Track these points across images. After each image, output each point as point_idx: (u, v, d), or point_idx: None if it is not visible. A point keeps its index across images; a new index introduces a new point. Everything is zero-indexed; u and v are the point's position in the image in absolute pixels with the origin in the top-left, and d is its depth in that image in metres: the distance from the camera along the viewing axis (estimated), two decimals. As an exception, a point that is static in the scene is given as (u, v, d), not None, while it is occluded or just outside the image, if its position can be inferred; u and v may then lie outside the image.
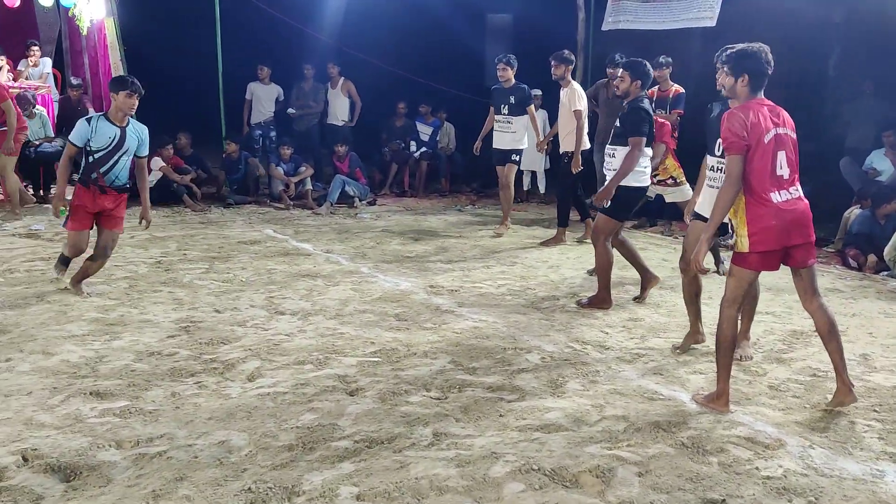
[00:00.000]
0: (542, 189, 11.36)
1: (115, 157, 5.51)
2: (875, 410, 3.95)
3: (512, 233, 8.86)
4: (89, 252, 5.75)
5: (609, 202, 5.72)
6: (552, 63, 7.95)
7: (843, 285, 6.71)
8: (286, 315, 5.36)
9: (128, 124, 5.55)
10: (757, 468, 3.30)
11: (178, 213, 9.38)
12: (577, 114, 7.91)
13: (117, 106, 5.46)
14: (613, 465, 3.28)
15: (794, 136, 3.90)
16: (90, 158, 5.49)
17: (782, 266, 3.93)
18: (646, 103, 5.72)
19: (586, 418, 3.78)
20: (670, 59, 8.82)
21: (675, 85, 8.81)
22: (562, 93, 8.09)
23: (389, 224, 9.20)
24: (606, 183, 5.74)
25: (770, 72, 3.88)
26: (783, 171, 3.80)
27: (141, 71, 10.95)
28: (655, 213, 9.28)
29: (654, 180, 6.71)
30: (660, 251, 8.00)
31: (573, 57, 8.20)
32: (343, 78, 11.37)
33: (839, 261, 7.65)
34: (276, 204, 10.07)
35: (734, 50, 3.90)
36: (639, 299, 5.98)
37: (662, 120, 6.92)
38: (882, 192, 7.84)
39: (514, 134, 8.49)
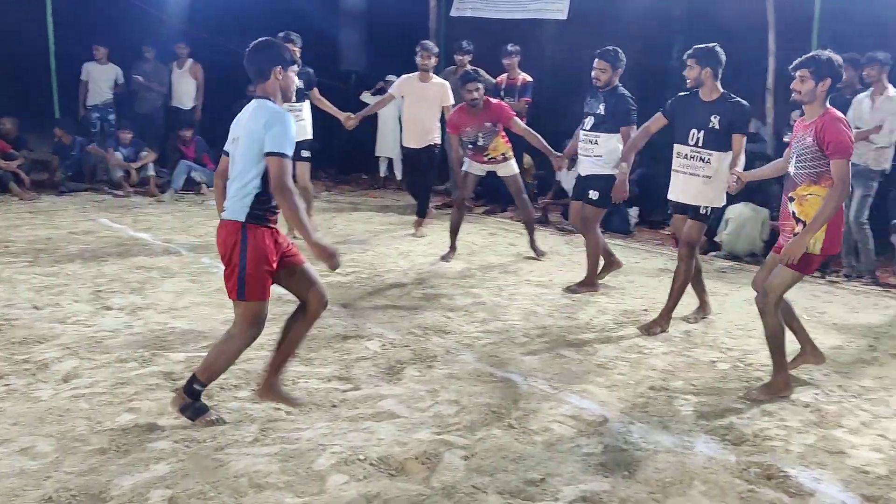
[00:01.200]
0: (398, 175, 11.32)
1: None
2: (692, 385, 4.16)
3: (366, 219, 8.79)
4: None
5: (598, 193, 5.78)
6: (420, 54, 7.55)
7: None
8: (113, 310, 5.05)
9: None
10: (578, 445, 3.40)
11: (4, 202, 8.68)
12: (446, 109, 7.54)
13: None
14: (440, 451, 3.29)
15: None
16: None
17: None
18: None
19: (419, 404, 3.77)
20: (518, 48, 8.99)
21: (524, 73, 8.99)
22: (420, 85, 7.65)
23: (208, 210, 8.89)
24: (619, 179, 5.57)
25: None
26: None
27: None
28: (507, 198, 9.46)
29: (486, 159, 6.80)
30: (508, 236, 8.14)
31: (437, 48, 7.90)
32: (191, 60, 10.87)
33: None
34: (115, 191, 9.51)
35: (821, 56, 3.88)
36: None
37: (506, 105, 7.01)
38: None
39: (303, 122, 7.43)
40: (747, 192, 7.94)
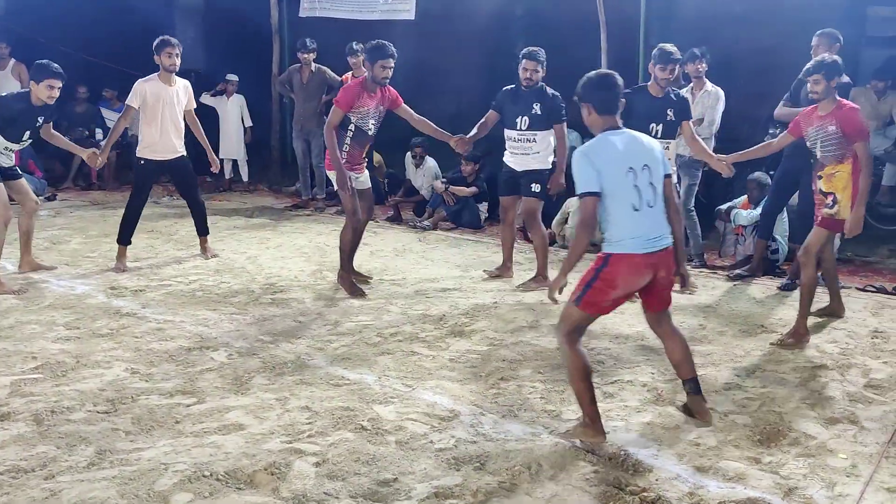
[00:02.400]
0: (245, 177, 11.00)
1: None
2: (540, 372, 4.29)
3: (211, 224, 8.41)
4: None
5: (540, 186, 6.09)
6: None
7: (522, 258, 7.25)
8: (-76, 335, 4.60)
9: None
10: (431, 441, 3.43)
11: None
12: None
13: None
14: (291, 459, 3.22)
15: None
16: None
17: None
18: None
19: (268, 413, 3.67)
20: (363, 46, 8.93)
21: (369, 72, 8.95)
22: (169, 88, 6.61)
23: (71, 221, 8.35)
24: (557, 171, 6.11)
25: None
26: None
27: None
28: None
29: (365, 160, 6.81)
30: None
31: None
32: (14, 60, 10.07)
33: (521, 235, 8.28)
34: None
35: (827, 61, 4.72)
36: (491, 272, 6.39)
37: None
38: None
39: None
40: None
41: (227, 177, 10.92)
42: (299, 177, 9.74)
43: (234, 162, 10.91)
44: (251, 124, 10.54)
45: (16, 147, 6.25)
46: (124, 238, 6.50)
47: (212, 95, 10.22)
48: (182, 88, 6.62)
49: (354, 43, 8.90)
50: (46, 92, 6.01)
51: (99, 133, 10.75)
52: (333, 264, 6.58)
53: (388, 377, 4.17)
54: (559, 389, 4.03)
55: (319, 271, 6.46)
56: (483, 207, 8.75)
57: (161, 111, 6.45)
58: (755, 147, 5.65)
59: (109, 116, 10.89)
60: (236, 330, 4.92)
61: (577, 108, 3.64)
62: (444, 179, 8.77)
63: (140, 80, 6.56)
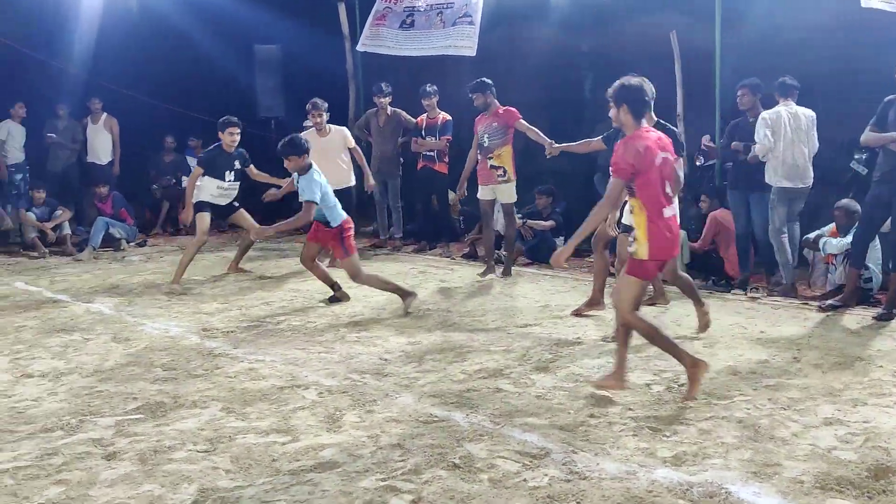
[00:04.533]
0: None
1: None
2: (630, 409, 4.23)
3: (294, 265, 8.67)
4: None
5: None
6: (311, 112, 8.39)
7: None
8: (34, 377, 4.84)
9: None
10: (524, 480, 3.41)
11: None
12: (354, 150, 8.49)
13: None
14: (387, 497, 3.24)
15: (672, 157, 4.41)
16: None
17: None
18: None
19: (361, 451, 3.72)
20: (436, 88, 9.12)
21: (443, 112, 9.12)
22: (320, 139, 8.27)
23: (161, 266, 8.68)
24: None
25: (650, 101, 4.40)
26: (669, 189, 4.35)
27: None
28: (433, 236, 9.52)
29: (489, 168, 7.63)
30: (438, 273, 8.17)
31: (324, 103, 8.52)
32: (106, 114, 10.67)
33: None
34: (30, 252, 9.17)
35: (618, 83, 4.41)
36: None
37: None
38: None
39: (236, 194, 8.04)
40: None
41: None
42: (377, 217, 9.92)
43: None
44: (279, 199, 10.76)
45: (225, 185, 7.78)
46: None
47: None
48: (240, 156, 7.89)
49: (428, 85, 9.09)
50: (229, 138, 7.65)
51: (185, 180, 11.19)
52: (414, 302, 6.66)
53: (476, 414, 4.17)
54: (651, 426, 3.97)
55: (402, 308, 6.53)
56: (560, 241, 8.72)
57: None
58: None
59: (194, 165, 11.35)
60: (325, 368, 5.01)
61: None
62: (520, 215, 8.80)
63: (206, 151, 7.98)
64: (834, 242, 6.58)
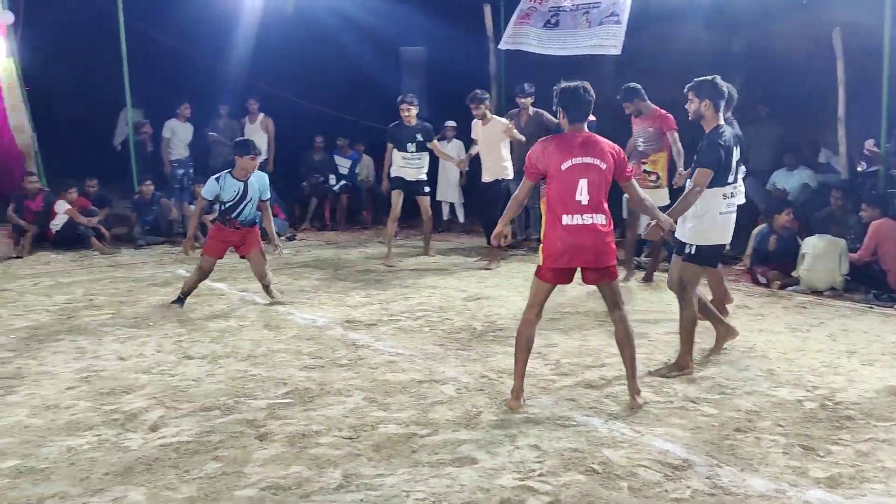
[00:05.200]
0: (461, 219, 11.43)
1: (242, 205, 6.59)
2: (780, 425, 4.03)
3: (432, 263, 8.86)
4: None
5: None
6: (471, 106, 8.42)
7: (751, 302, 6.90)
8: (195, 359, 5.18)
9: (248, 177, 6.57)
10: (666, 490, 3.32)
11: (86, 256, 9.05)
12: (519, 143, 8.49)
13: (241, 166, 6.50)
14: (524, 497, 3.25)
15: (602, 165, 4.10)
16: (222, 207, 6.61)
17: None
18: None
19: (499, 449, 3.74)
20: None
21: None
22: (481, 128, 8.47)
23: (308, 259, 9.08)
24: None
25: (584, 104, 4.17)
26: (582, 196, 4.07)
27: (46, 112, 10.72)
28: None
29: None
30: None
31: (486, 94, 8.62)
32: (262, 114, 11.28)
33: (749, 278, 7.88)
34: (191, 243, 9.81)
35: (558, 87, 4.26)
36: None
37: None
38: (772, 204, 8.16)
39: (423, 168, 8.94)
40: (822, 224, 7.78)
41: (444, 218, 11.40)
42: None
43: (452, 205, 11.37)
44: (467, 169, 10.94)
45: (408, 155, 8.74)
46: None
47: (437, 141, 10.75)
48: (422, 129, 8.86)
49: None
50: (405, 113, 8.63)
51: (332, 179, 11.67)
52: (551, 302, 6.61)
53: (616, 421, 4.10)
54: (804, 445, 3.76)
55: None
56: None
57: None
58: None
59: (342, 163, 11.80)
60: (462, 365, 5.07)
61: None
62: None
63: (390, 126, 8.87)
64: None
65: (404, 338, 5.74)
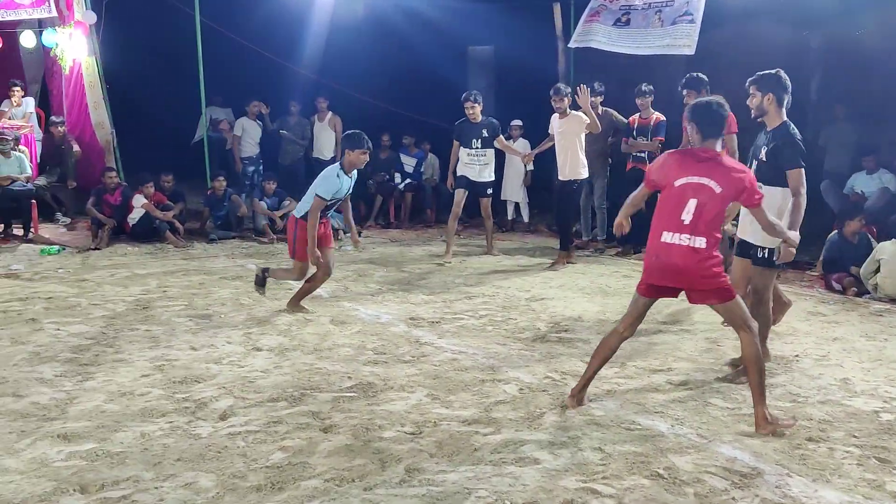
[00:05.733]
0: (525, 218, 11.38)
1: (339, 201, 6.29)
2: (854, 436, 3.91)
3: (496, 262, 8.86)
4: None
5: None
6: (554, 98, 8.31)
7: (825, 309, 6.69)
8: (263, 351, 5.30)
9: (353, 172, 6.22)
10: (733, 498, 3.25)
11: (161, 249, 9.33)
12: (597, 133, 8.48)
13: (351, 161, 6.10)
14: (587, 499, 3.23)
15: (717, 188, 3.92)
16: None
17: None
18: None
19: (562, 451, 3.72)
20: (651, 88, 8.90)
21: (657, 112, 8.89)
22: (560, 122, 8.41)
23: (373, 256, 9.17)
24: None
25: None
26: (687, 216, 3.94)
27: (126, 109, 11.12)
28: (639, 240, 9.28)
29: None
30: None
31: (568, 88, 8.52)
32: (331, 112, 11.44)
33: (822, 284, 7.64)
34: (260, 238, 10.04)
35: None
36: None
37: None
38: (845, 210, 7.88)
39: (489, 166, 8.94)
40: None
41: (509, 217, 11.38)
42: (580, 218, 9.86)
43: (517, 204, 11.33)
44: (531, 168, 10.90)
45: (473, 151, 8.80)
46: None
47: (505, 140, 10.74)
48: (488, 125, 8.84)
49: (644, 85, 8.90)
50: (470, 111, 8.67)
51: (398, 177, 11.77)
52: (617, 306, 6.55)
53: (682, 426, 4.03)
54: (879, 457, 3.63)
55: (602, 312, 6.45)
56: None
57: None
58: None
59: (407, 162, 11.89)
60: (525, 365, 5.06)
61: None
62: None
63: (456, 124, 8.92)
64: None
65: (467, 336, 5.75)
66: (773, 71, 4.69)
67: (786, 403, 4.36)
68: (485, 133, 8.77)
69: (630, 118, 9.08)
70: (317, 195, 6.01)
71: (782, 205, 4.60)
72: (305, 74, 12.11)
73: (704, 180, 3.94)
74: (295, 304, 6.40)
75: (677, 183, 3.99)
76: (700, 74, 7.21)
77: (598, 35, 9.99)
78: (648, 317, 6.18)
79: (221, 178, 10.29)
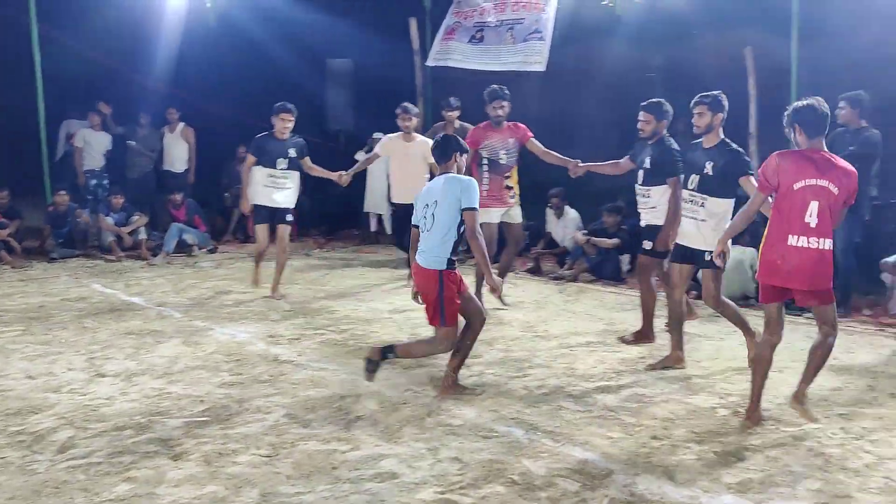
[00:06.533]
0: (388, 230, 11.38)
1: None
2: (694, 432, 4.14)
3: (359, 275, 8.81)
4: None
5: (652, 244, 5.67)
6: (401, 116, 7.84)
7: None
8: (108, 377, 5.01)
9: None
10: (584, 500, 3.36)
11: (-5, 270, 8.66)
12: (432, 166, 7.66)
13: (460, 166, 4.87)
14: (444, 511, 3.25)
15: (834, 189, 4.02)
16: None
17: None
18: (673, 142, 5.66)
19: (420, 463, 3.73)
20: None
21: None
22: (405, 144, 7.87)
23: (231, 272, 8.89)
24: (665, 228, 5.52)
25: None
26: (811, 219, 4.01)
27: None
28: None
29: (507, 192, 7.06)
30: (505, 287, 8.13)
31: (416, 109, 8.16)
32: (183, 123, 11.00)
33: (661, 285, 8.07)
34: (107, 256, 9.51)
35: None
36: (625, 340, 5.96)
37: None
38: None
39: (291, 189, 7.65)
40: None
41: (371, 230, 11.35)
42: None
43: (380, 216, 11.32)
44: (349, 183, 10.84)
45: (277, 172, 7.43)
46: None
47: (365, 153, 10.69)
48: (295, 145, 7.58)
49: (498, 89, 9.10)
50: (281, 124, 7.43)
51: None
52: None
53: (536, 431, 4.14)
54: (716, 451, 3.87)
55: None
56: (625, 259, 8.62)
57: None
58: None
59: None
60: (386, 379, 5.03)
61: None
62: (585, 231, 8.73)
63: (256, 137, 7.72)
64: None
65: (328, 352, 5.67)
66: (716, 92, 5.08)
67: (633, 404, 4.57)
68: (291, 153, 7.54)
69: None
70: (471, 209, 4.55)
71: (725, 213, 5.04)
72: (155, 85, 11.60)
73: (823, 182, 3.99)
74: (453, 383, 4.78)
75: (796, 186, 4.01)
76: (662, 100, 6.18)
77: (454, 53, 10.17)
78: (506, 325, 6.36)
79: (63, 192, 9.67)
